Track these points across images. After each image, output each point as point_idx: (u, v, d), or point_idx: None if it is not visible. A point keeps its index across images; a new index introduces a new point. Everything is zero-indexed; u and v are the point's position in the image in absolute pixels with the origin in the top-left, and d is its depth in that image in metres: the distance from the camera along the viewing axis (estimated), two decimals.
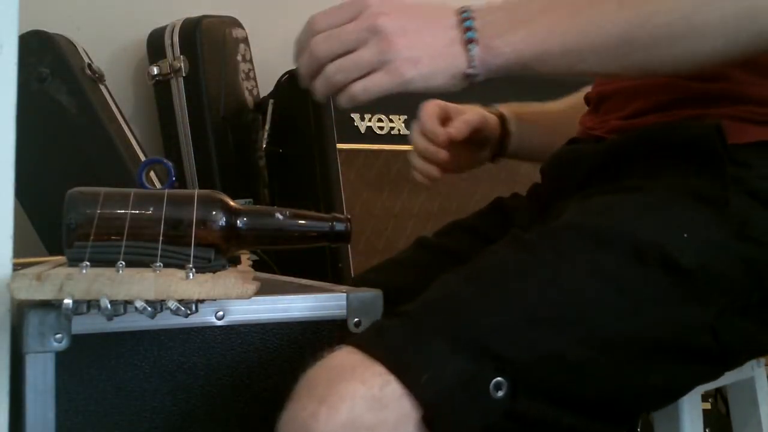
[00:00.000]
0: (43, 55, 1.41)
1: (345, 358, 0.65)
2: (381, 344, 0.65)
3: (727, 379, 0.95)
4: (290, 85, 1.57)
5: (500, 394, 0.64)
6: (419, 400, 0.63)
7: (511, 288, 0.69)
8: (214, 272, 0.67)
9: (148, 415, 0.71)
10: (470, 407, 0.64)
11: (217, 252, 0.71)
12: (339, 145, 1.57)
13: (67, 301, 0.60)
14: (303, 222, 0.76)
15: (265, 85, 1.66)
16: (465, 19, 0.72)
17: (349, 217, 0.79)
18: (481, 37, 0.72)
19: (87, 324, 0.67)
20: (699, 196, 0.74)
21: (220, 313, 0.73)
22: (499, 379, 0.64)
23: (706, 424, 1.57)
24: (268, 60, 1.71)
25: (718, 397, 1.61)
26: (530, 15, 0.73)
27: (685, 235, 0.72)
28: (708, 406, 1.58)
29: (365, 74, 0.72)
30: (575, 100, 1.06)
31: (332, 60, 0.73)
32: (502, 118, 1.05)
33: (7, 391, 0.68)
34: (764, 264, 0.73)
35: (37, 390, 0.66)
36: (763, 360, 0.99)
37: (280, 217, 0.75)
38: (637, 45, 0.71)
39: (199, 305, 0.64)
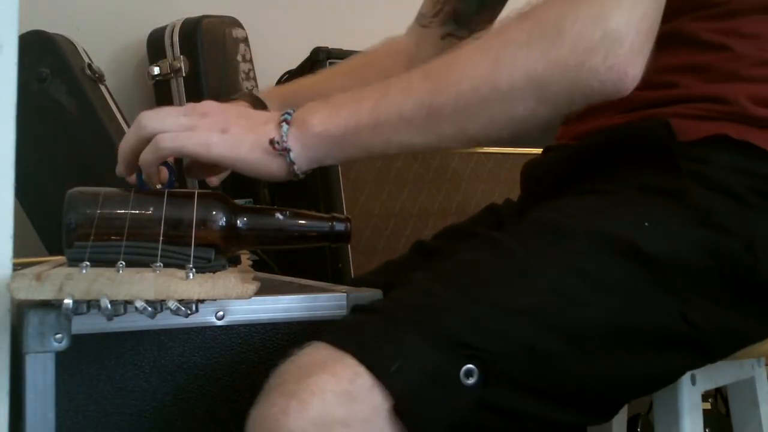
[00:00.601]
0: (43, 55, 1.41)
1: (315, 353, 0.65)
2: (351, 338, 0.65)
3: (727, 378, 0.95)
4: None
5: (471, 381, 0.64)
6: (389, 389, 0.62)
7: (481, 282, 0.70)
8: (214, 272, 0.67)
9: (148, 415, 0.71)
10: (441, 396, 0.64)
11: (217, 252, 0.70)
12: None
13: (67, 301, 0.60)
14: (303, 222, 0.76)
15: (265, 85, 1.66)
16: (285, 112, 0.75)
17: (348, 217, 0.79)
18: (295, 119, 0.73)
19: (87, 324, 0.67)
20: (658, 190, 0.76)
21: (220, 313, 0.73)
22: (469, 366, 0.64)
23: (706, 424, 1.57)
24: (268, 60, 1.71)
25: (718, 397, 1.61)
26: (344, 98, 0.75)
27: (648, 225, 0.73)
28: (708, 406, 1.58)
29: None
30: (365, 57, 1.11)
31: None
32: (256, 101, 1.05)
33: (7, 391, 0.68)
34: (731, 251, 0.74)
35: (37, 390, 0.66)
36: (763, 360, 0.99)
37: (280, 217, 0.75)
38: (447, 113, 0.71)
39: (199, 305, 0.64)
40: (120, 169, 0.79)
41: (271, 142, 0.72)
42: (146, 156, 0.74)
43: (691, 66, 0.80)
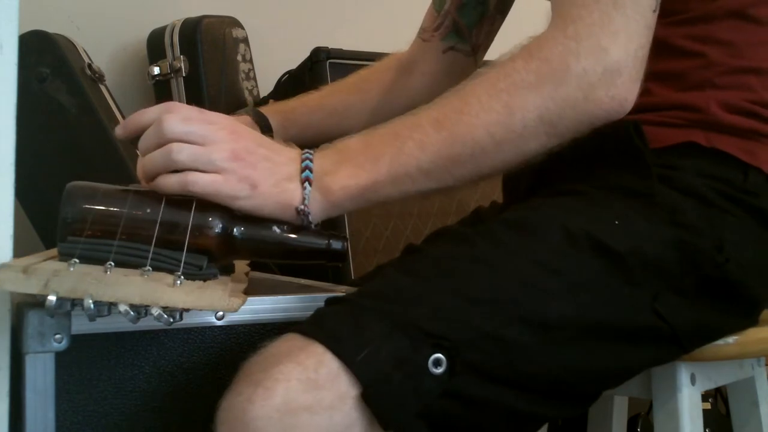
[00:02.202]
0: (43, 55, 1.41)
1: (283, 344, 0.66)
2: (319, 327, 0.66)
3: (727, 378, 0.95)
4: (290, 85, 1.57)
5: (439, 370, 0.66)
6: (357, 377, 0.63)
7: (448, 274, 0.71)
8: (204, 280, 0.67)
9: (148, 415, 0.71)
10: (409, 383, 0.65)
11: (210, 259, 0.70)
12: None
13: (51, 298, 0.60)
14: (300, 237, 0.75)
15: (265, 85, 1.66)
16: (305, 157, 0.75)
17: (345, 236, 0.78)
18: (316, 176, 0.74)
19: (87, 324, 0.67)
20: (626, 191, 0.77)
21: (220, 313, 0.73)
22: (438, 355, 0.66)
23: (706, 424, 1.57)
24: (268, 60, 1.71)
25: (718, 397, 1.61)
26: (355, 151, 0.76)
27: (618, 223, 0.75)
28: (708, 406, 1.58)
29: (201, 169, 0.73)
30: (363, 74, 1.13)
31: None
32: (259, 117, 1.06)
33: (7, 391, 0.68)
34: (698, 248, 0.76)
35: (37, 390, 0.66)
36: (763, 359, 0.99)
37: (278, 230, 0.74)
38: (463, 159, 0.73)
39: (185, 314, 0.64)
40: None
41: (297, 210, 0.74)
42: (171, 189, 0.73)
43: (664, 73, 0.81)
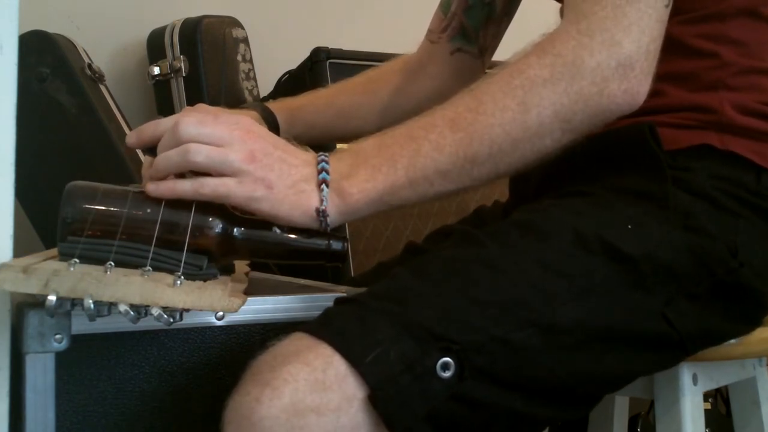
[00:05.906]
0: (43, 55, 1.41)
1: (292, 343, 0.66)
2: (327, 328, 0.66)
3: (728, 378, 0.95)
4: (290, 85, 1.57)
5: (447, 374, 0.65)
6: (364, 379, 0.63)
7: (457, 276, 0.70)
8: (204, 280, 0.67)
9: (148, 415, 0.71)
10: (416, 387, 0.65)
11: (210, 260, 0.70)
12: (339, 146, 1.57)
13: (51, 298, 0.60)
14: (300, 238, 0.75)
15: (265, 85, 1.66)
16: (321, 159, 0.74)
17: (346, 236, 0.78)
18: (333, 179, 0.73)
19: (87, 324, 0.67)
20: (639, 194, 0.77)
21: (220, 313, 0.72)
22: (446, 359, 0.65)
23: (706, 424, 1.57)
24: (268, 60, 1.71)
25: (718, 397, 1.61)
26: (370, 154, 0.74)
27: (630, 227, 0.74)
28: (708, 406, 1.58)
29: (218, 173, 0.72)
30: (372, 74, 1.13)
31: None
32: (266, 112, 1.06)
33: (7, 391, 0.68)
34: (711, 253, 0.76)
35: (37, 390, 0.66)
36: (764, 359, 0.99)
37: (278, 231, 0.74)
38: (480, 159, 0.73)
39: (185, 314, 0.64)
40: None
41: (317, 211, 0.73)
42: (184, 192, 0.72)
43: (677, 74, 0.81)
